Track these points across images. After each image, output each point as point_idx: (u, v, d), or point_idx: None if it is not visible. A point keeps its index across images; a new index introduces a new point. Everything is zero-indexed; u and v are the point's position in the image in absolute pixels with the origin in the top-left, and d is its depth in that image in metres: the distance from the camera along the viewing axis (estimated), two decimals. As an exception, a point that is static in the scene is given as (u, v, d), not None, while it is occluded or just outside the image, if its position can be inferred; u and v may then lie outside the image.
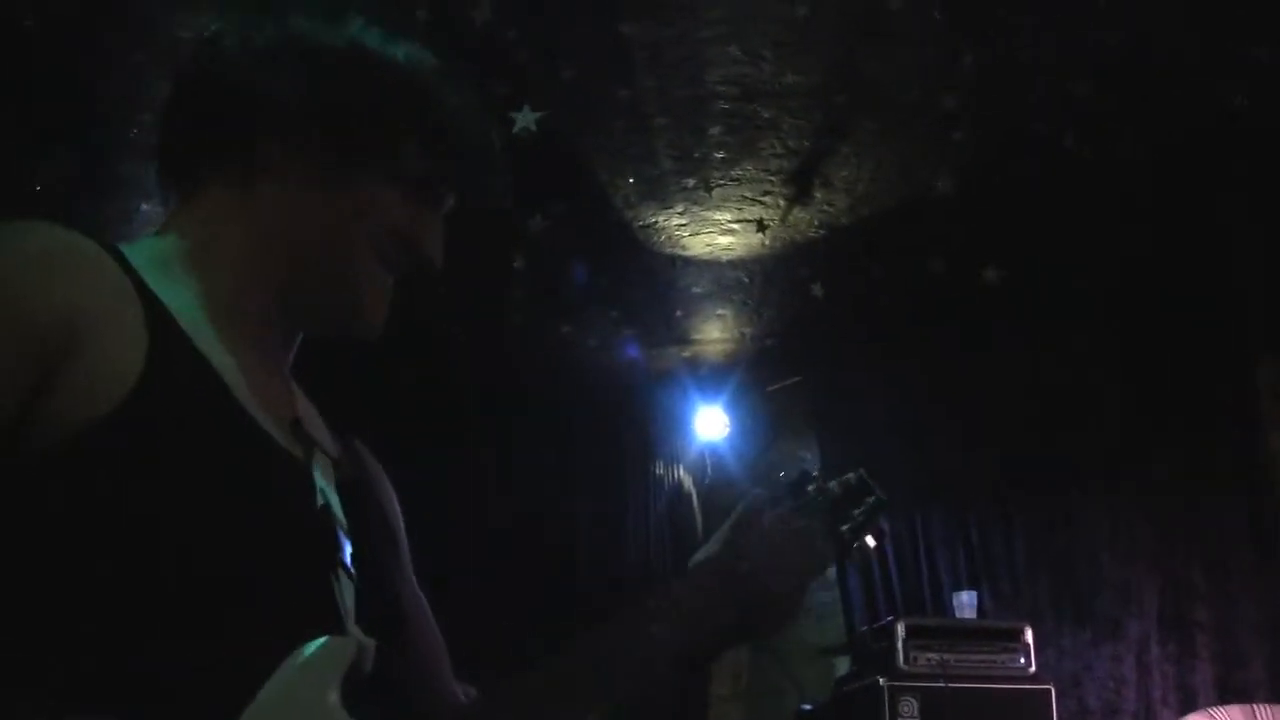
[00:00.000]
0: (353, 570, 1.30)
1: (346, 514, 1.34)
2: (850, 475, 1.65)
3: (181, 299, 1.27)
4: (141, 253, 1.28)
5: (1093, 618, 5.86)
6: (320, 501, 1.30)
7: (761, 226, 5.61)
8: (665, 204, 5.51)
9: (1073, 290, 5.59)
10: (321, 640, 1.17)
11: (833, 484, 1.63)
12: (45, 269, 1.15)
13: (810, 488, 1.62)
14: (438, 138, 1.38)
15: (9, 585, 1.10)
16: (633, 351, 6.58)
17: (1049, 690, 4.99)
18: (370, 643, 1.22)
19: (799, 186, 5.36)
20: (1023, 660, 5.03)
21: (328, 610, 1.24)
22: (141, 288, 1.22)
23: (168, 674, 1.11)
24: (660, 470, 6.96)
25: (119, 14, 4.25)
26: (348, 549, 1.30)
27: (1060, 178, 5.02)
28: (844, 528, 1.61)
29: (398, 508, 1.56)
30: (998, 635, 5.13)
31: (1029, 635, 5.08)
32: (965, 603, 5.74)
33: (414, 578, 1.54)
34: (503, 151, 1.48)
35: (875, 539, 1.68)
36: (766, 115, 4.91)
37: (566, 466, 6.75)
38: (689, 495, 6.97)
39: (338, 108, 1.34)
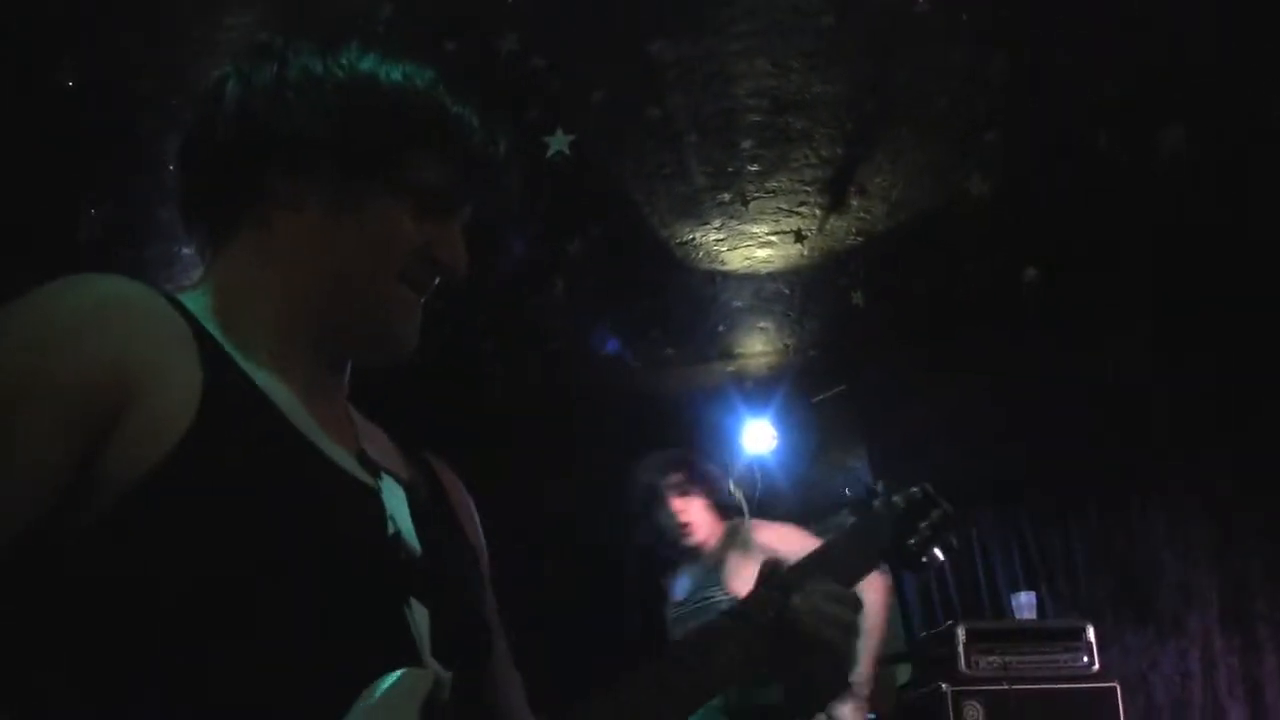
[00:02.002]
0: (429, 598, 1.28)
1: (421, 538, 1.32)
2: (915, 489, 1.65)
3: (231, 342, 1.29)
4: (191, 303, 1.31)
5: (1154, 614, 5.81)
6: (391, 530, 1.30)
7: (799, 237, 5.60)
8: (702, 220, 5.51)
9: (1117, 289, 5.55)
10: (398, 673, 1.18)
11: (897, 498, 1.64)
12: (93, 325, 1.17)
13: (875, 503, 1.62)
14: (442, 147, 1.39)
15: (86, 624, 1.12)
16: (676, 369, 6.57)
17: (1114, 688, 4.95)
18: (446, 675, 1.22)
19: (835, 195, 5.35)
20: (1086, 659, 5.00)
21: (402, 641, 1.23)
22: (196, 328, 1.24)
23: (245, 710, 1.12)
24: (710, 485, 6.93)
25: (153, 60, 4.29)
26: (423, 576, 1.29)
27: (1097, 177, 4.99)
28: (910, 542, 1.62)
29: (478, 523, 1.56)
30: (1059, 635, 5.10)
31: (1091, 634, 5.04)
32: (1024, 604, 5.70)
33: (493, 601, 1.53)
34: (509, 154, 1.47)
35: (943, 552, 1.67)
36: (798, 126, 4.91)
37: (613, 489, 6.74)
38: (740, 509, 6.93)
39: (339, 134, 1.34)
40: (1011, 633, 5.15)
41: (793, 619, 1.47)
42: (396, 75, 1.39)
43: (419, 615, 1.26)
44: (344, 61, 1.38)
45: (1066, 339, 5.76)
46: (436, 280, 1.41)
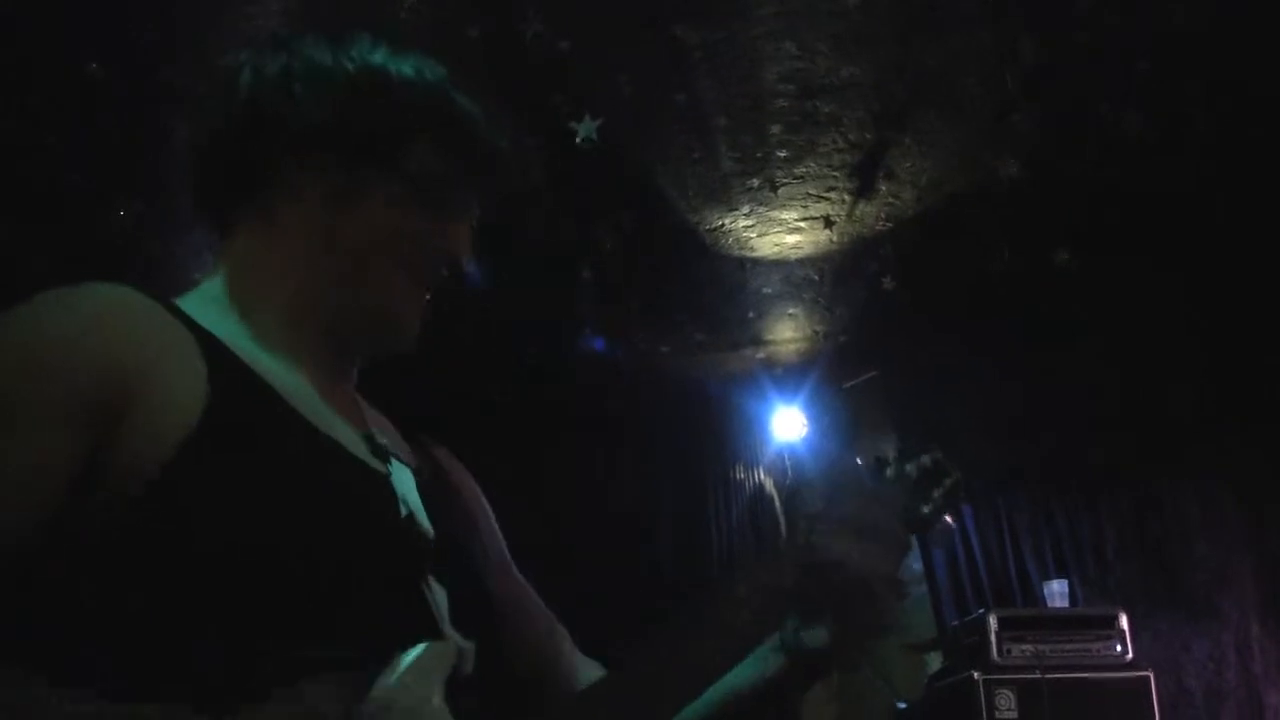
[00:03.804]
0: (444, 576, 1.32)
1: (431, 520, 1.36)
2: (925, 457, 1.67)
3: (236, 332, 1.31)
4: (198, 297, 1.35)
5: (1187, 600, 5.77)
6: (404, 511, 1.33)
7: (828, 223, 5.58)
8: (730, 206, 5.49)
9: (1149, 271, 5.51)
10: (421, 645, 1.20)
11: (909, 466, 1.66)
12: (89, 333, 1.19)
13: (888, 471, 1.64)
14: (446, 141, 1.40)
15: (113, 613, 1.14)
16: (706, 356, 6.56)
17: (1148, 676, 4.92)
18: (469, 645, 1.25)
19: (864, 180, 5.33)
20: (1119, 647, 4.97)
21: (424, 617, 1.27)
22: (195, 328, 1.26)
23: (269, 690, 1.14)
24: (740, 474, 6.94)
25: (180, 51, 4.30)
26: (438, 556, 1.32)
27: (1128, 158, 4.95)
28: (923, 509, 1.64)
29: (486, 506, 1.58)
30: (1092, 623, 5.07)
31: (1124, 621, 5.01)
32: (1056, 591, 5.67)
33: (514, 570, 1.56)
34: (515, 151, 1.49)
35: (953, 518, 1.71)
36: (826, 111, 4.88)
37: (646, 475, 6.75)
38: (770, 497, 6.93)
39: (343, 124, 1.36)
40: (1044, 620, 5.12)
41: (819, 548, 1.48)
42: (405, 69, 1.40)
43: (437, 591, 1.29)
44: (353, 54, 1.39)
45: (1098, 322, 5.72)
46: (440, 273, 1.42)
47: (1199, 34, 4.38)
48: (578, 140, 4.57)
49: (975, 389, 6.27)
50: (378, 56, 1.40)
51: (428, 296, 1.43)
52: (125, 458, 1.15)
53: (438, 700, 1.18)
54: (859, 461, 1.66)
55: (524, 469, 6.10)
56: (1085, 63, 4.55)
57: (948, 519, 1.68)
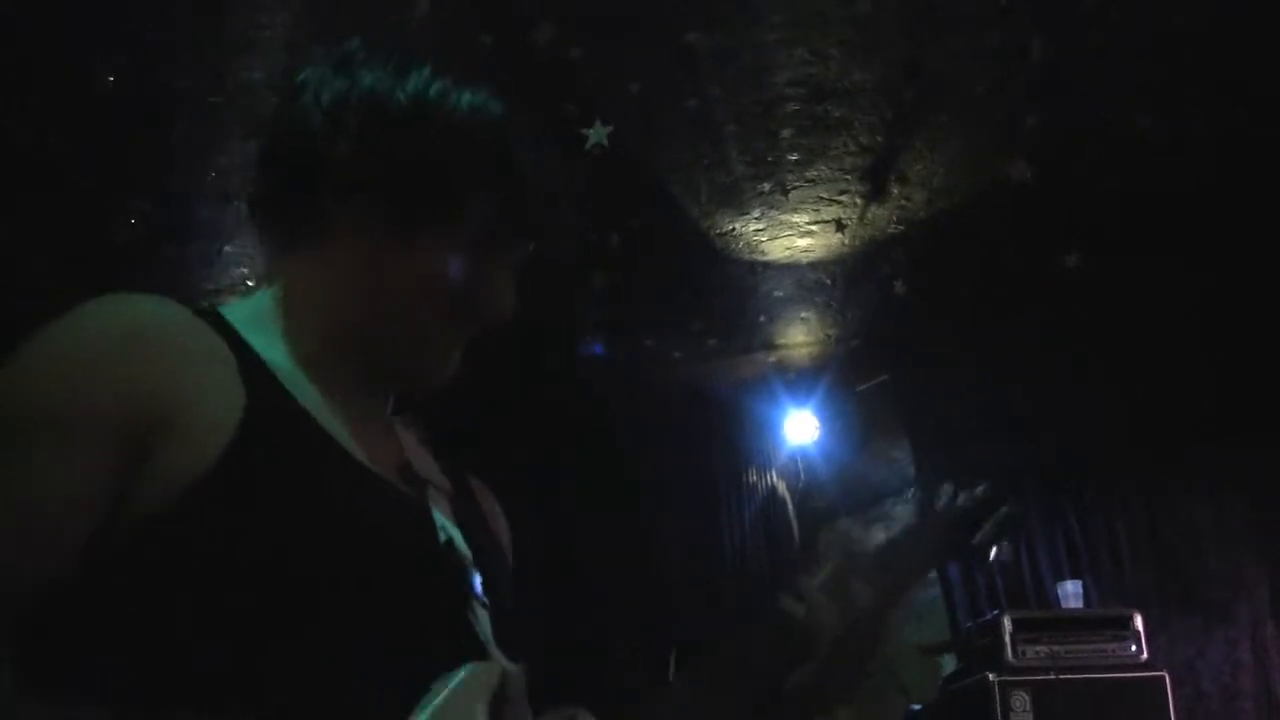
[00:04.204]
0: (487, 600, 1.32)
1: (469, 547, 1.35)
2: (979, 488, 1.70)
3: (278, 353, 1.30)
4: (242, 309, 1.34)
5: (1202, 602, 5.76)
6: (444, 538, 1.32)
7: (840, 226, 5.58)
8: (742, 210, 5.50)
9: (1160, 273, 5.50)
10: (468, 666, 1.20)
11: (962, 498, 1.69)
12: (124, 352, 1.18)
13: (941, 502, 1.68)
14: (504, 194, 1.36)
15: (146, 640, 1.14)
16: (718, 360, 6.56)
17: (1163, 677, 4.91)
18: (515, 667, 1.25)
19: (875, 184, 5.33)
20: (1134, 648, 4.96)
21: (470, 640, 1.26)
22: (237, 344, 1.25)
23: (319, 714, 1.14)
24: (753, 477, 6.94)
25: (192, 58, 4.31)
26: (478, 581, 1.33)
27: (1140, 160, 4.95)
28: (975, 541, 1.68)
29: (508, 534, 1.57)
30: (1107, 624, 5.06)
31: (1139, 622, 5.00)
32: (1071, 592, 5.66)
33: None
34: (565, 195, 1.49)
35: (1000, 551, 1.74)
36: (837, 114, 4.89)
37: (659, 479, 6.76)
38: (783, 500, 6.93)
39: (397, 165, 1.32)
40: (1058, 622, 5.12)
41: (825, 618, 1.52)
42: (463, 105, 1.35)
43: (480, 616, 1.30)
44: (412, 86, 1.34)
45: (1110, 324, 5.71)
46: (483, 323, 1.40)
47: (1207, 34, 4.38)
48: (588, 146, 4.58)
49: (987, 391, 6.26)
50: (435, 89, 1.34)
51: (464, 343, 1.41)
52: (154, 481, 1.14)
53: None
54: (911, 494, 1.71)
55: (536, 474, 6.11)
56: (1095, 64, 4.55)
57: (997, 549, 1.71)
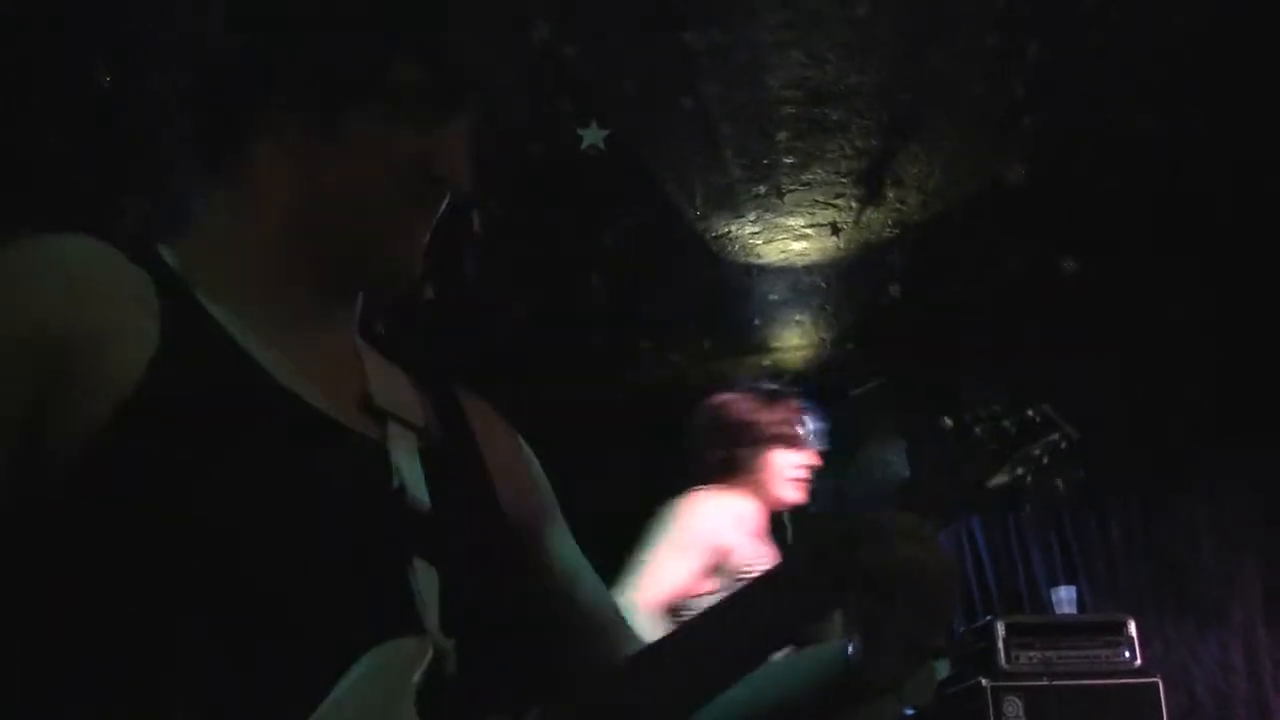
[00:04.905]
0: (439, 559, 1.17)
1: (434, 491, 1.22)
2: (1029, 410, 1.48)
3: (217, 292, 1.20)
4: (183, 248, 1.25)
5: (1196, 606, 5.75)
6: (396, 482, 1.19)
7: (835, 229, 5.57)
8: (737, 213, 5.49)
9: (1157, 276, 5.50)
10: (391, 643, 1.09)
11: (1006, 422, 1.47)
12: (26, 284, 1.11)
13: (978, 428, 1.45)
14: (428, 53, 1.28)
15: (54, 597, 1.06)
16: (712, 363, 6.55)
17: (1156, 683, 4.90)
18: (449, 644, 1.13)
19: (871, 187, 5.32)
20: (1127, 654, 4.95)
21: (401, 607, 1.13)
22: (162, 279, 1.17)
23: (224, 684, 1.03)
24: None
25: (187, 57, 4.30)
26: (432, 535, 1.19)
27: (1137, 162, 4.94)
28: (1020, 471, 1.45)
29: (523, 462, 1.44)
30: (1100, 629, 5.06)
31: (1132, 628, 4.99)
32: (1064, 598, 5.66)
33: (556, 538, 1.44)
34: (502, 53, 1.41)
35: (1065, 483, 1.48)
36: (834, 117, 4.88)
37: (655, 482, 6.73)
38: (777, 504, 6.91)
39: (312, 55, 1.25)
40: (1052, 627, 5.11)
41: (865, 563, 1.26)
42: None
43: (424, 578, 1.15)
44: None
45: (1106, 327, 5.71)
46: (439, 193, 1.29)
47: (1206, 35, 4.37)
48: (584, 147, 4.57)
49: (981, 395, 6.25)
50: None
51: (429, 228, 1.30)
52: (63, 423, 1.06)
53: (408, 705, 1.07)
54: (945, 420, 1.48)
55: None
56: (1093, 66, 4.54)
57: (1058, 483, 1.46)
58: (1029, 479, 1.46)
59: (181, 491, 1.05)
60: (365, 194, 1.25)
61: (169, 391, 1.09)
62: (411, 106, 1.26)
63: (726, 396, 3.85)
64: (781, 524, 6.87)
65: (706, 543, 3.52)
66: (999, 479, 1.43)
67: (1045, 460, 1.47)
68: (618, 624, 1.43)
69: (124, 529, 1.05)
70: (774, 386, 3.91)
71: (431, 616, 1.14)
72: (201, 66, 1.31)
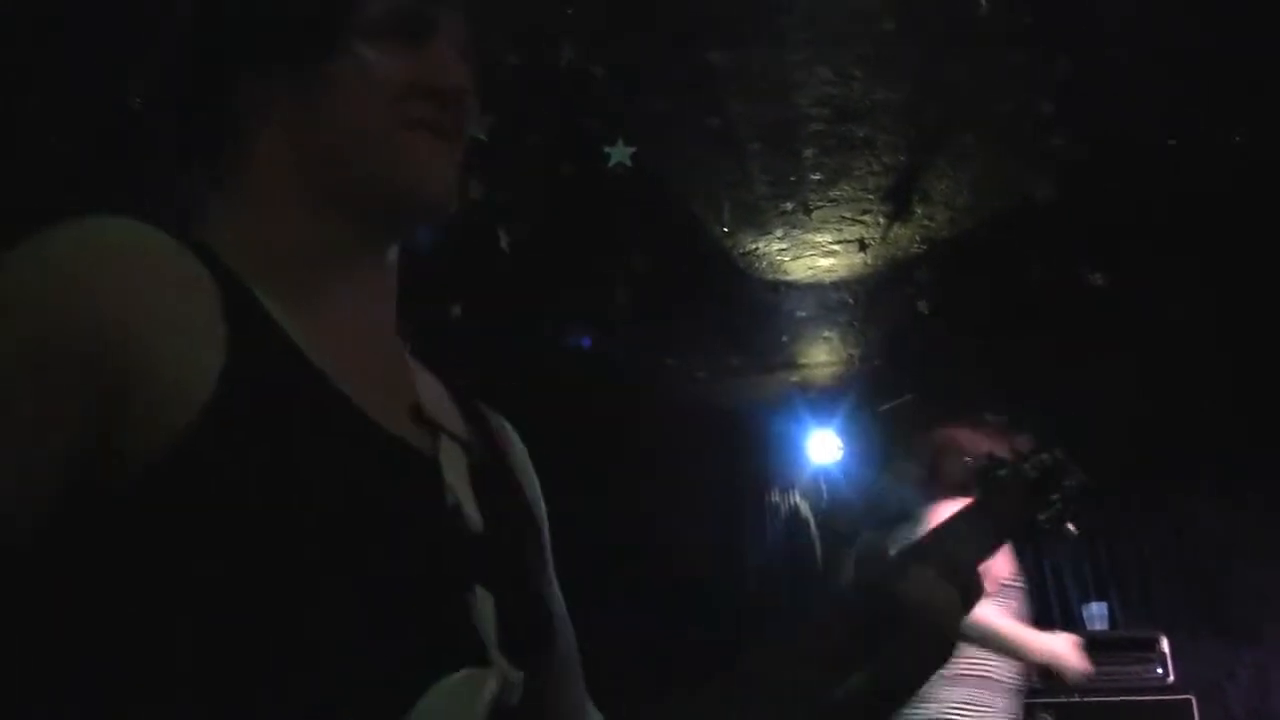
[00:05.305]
0: (493, 582, 1.12)
1: (482, 508, 1.15)
2: (1045, 455, 1.53)
3: (257, 280, 1.13)
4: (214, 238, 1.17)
5: (1230, 623, 5.72)
6: (451, 501, 1.13)
7: (863, 246, 5.57)
8: (764, 230, 5.50)
9: (1185, 291, 5.48)
10: (460, 675, 1.03)
11: (1026, 466, 1.51)
12: (94, 280, 1.01)
13: (1001, 473, 1.50)
14: None
15: (98, 626, 0.99)
16: (740, 379, 6.56)
17: (1190, 701, 4.88)
18: (517, 675, 1.08)
19: (898, 203, 5.32)
20: (1160, 670, 4.94)
21: (465, 634, 1.08)
22: (220, 275, 1.09)
23: (285, 717, 0.98)
24: (775, 497, 6.93)
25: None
26: (486, 556, 1.13)
27: (1164, 178, 4.93)
28: (1042, 516, 1.50)
29: (537, 485, 1.39)
30: (1132, 645, 5.04)
31: (1165, 644, 4.98)
32: (1096, 614, 5.64)
33: (554, 585, 1.36)
34: None
35: (1076, 526, 1.53)
36: (860, 134, 4.88)
37: (681, 498, 6.74)
38: (805, 521, 6.92)
39: (276, 12, 1.20)
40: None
41: (888, 602, 1.32)
42: None
43: (483, 603, 1.10)
44: None
45: (1133, 341, 5.68)
46: (446, 109, 1.21)
47: (1233, 51, 4.36)
48: (611, 165, 4.58)
49: (1011, 411, 6.23)
50: None
51: (451, 148, 1.22)
52: (131, 431, 0.99)
53: None
54: (967, 461, 1.54)
55: (556, 493, 6.10)
56: (1119, 81, 4.53)
57: (1070, 526, 1.51)
58: (1047, 523, 1.51)
59: (249, 517, 0.99)
60: (365, 130, 1.18)
61: (242, 401, 1.02)
62: (389, 34, 1.20)
63: (963, 427, 4.22)
64: (809, 537, 6.89)
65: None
66: (1027, 524, 1.50)
67: (1062, 507, 1.51)
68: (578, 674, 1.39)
69: (185, 548, 0.98)
70: (1003, 419, 4.20)
71: (492, 644, 1.09)
72: (170, 57, 1.26)
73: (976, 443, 4.04)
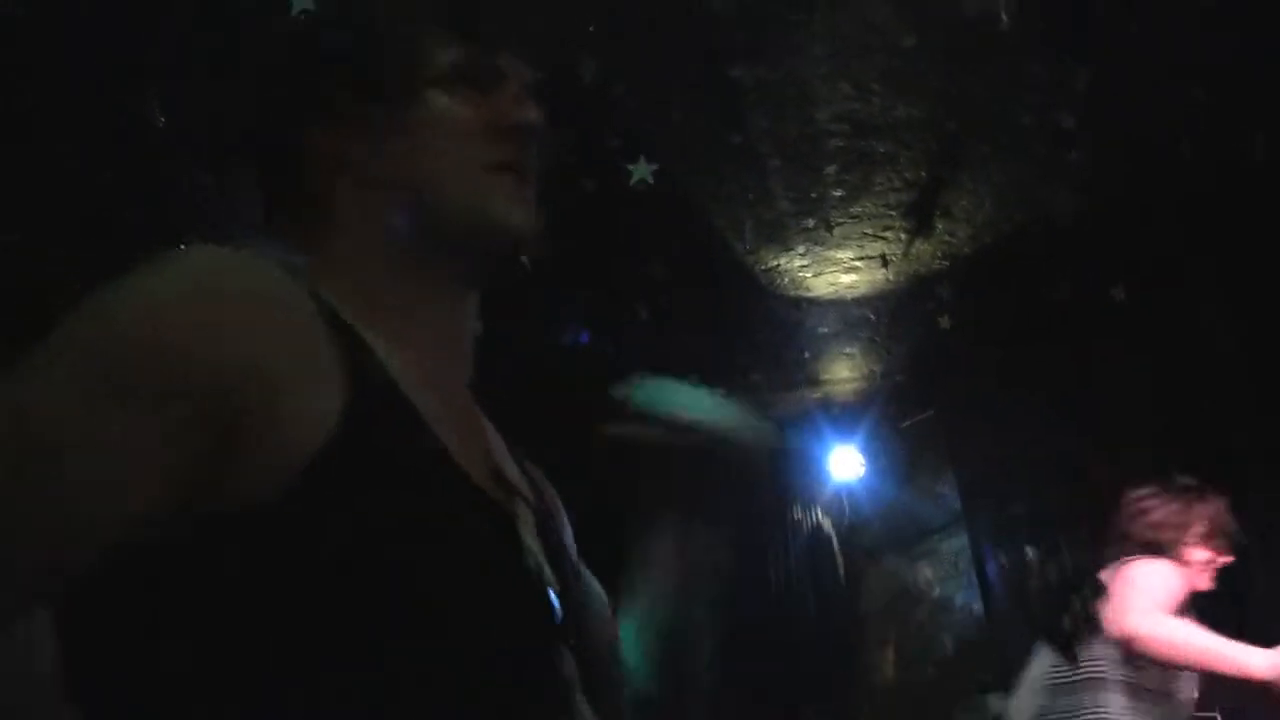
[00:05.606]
0: (572, 642, 1.15)
1: (552, 567, 1.18)
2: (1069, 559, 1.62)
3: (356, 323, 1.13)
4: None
5: (1253, 638, 5.68)
6: (532, 564, 1.14)
7: (884, 262, 5.57)
8: (786, 246, 5.50)
9: (1208, 304, 5.46)
10: None
11: (1051, 567, 1.61)
12: (221, 317, 1.00)
13: (1031, 583, 1.58)
14: (459, 25, 1.26)
15: (188, 660, 0.98)
16: (762, 396, 6.56)
17: (1215, 718, 4.84)
18: None
19: (919, 219, 5.32)
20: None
21: (555, 689, 1.10)
22: (334, 319, 1.08)
23: None
24: (798, 514, 6.92)
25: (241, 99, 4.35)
26: (565, 617, 1.15)
27: (1187, 190, 4.92)
28: (1065, 621, 1.58)
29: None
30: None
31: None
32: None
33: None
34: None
35: (1072, 625, 1.64)
36: (881, 149, 4.89)
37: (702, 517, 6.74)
38: (828, 537, 6.91)
39: (347, 68, 1.23)
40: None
41: None
42: None
43: (565, 656, 1.13)
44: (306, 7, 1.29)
45: (1158, 356, 5.67)
46: (520, 145, 1.24)
47: (1256, 63, 4.36)
48: (633, 182, 4.59)
49: (1033, 427, 6.22)
50: None
51: (529, 184, 1.25)
52: (246, 469, 0.97)
53: None
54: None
55: (576, 510, 6.11)
56: (1141, 95, 4.53)
57: (1066, 621, 1.61)
58: (1064, 620, 1.59)
59: (361, 568, 0.99)
60: (449, 174, 1.20)
61: (360, 445, 1.01)
62: (460, 82, 1.23)
63: (1153, 492, 4.18)
64: (832, 553, 6.87)
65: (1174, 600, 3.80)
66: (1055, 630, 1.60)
67: (1074, 605, 1.59)
68: None
69: (294, 588, 0.98)
70: (1195, 483, 4.25)
71: (576, 697, 1.12)
72: (246, 111, 1.29)
73: (1175, 515, 4.13)
